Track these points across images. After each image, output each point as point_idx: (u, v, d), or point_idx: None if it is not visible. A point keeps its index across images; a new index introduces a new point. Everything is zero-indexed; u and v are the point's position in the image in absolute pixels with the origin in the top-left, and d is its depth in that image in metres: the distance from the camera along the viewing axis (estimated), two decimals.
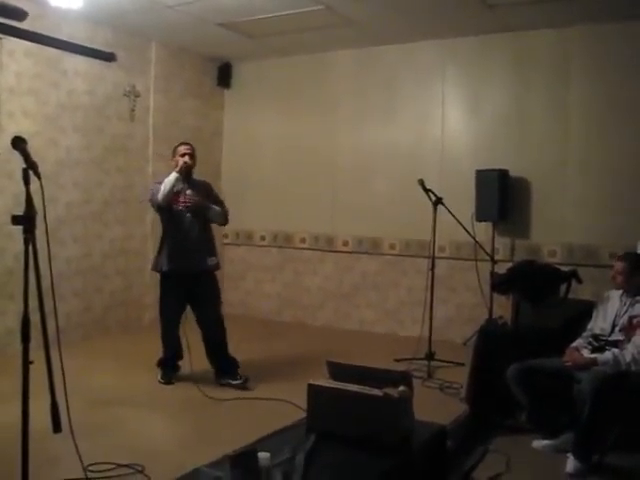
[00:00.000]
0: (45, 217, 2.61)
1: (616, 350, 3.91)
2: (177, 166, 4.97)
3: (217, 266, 5.25)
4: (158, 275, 5.21)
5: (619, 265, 4.12)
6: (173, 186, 4.91)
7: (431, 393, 5.05)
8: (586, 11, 5.96)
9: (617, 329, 4.05)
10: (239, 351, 5.21)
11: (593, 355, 4.00)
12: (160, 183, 4.97)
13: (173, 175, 4.93)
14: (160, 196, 4.90)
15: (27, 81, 6.07)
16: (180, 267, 5.03)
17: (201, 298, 5.13)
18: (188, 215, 5.02)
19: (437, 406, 4.61)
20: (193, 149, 5.13)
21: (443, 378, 5.35)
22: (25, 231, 2.54)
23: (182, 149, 5.07)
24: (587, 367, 3.92)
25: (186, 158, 4.99)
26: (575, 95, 6.43)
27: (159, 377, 5.16)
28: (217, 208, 5.17)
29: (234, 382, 5.05)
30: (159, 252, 5.14)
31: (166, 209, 5.01)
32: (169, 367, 5.22)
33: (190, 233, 5.03)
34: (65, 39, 6.32)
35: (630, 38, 6.14)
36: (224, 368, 5.15)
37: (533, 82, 6.64)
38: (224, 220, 5.30)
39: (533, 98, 6.64)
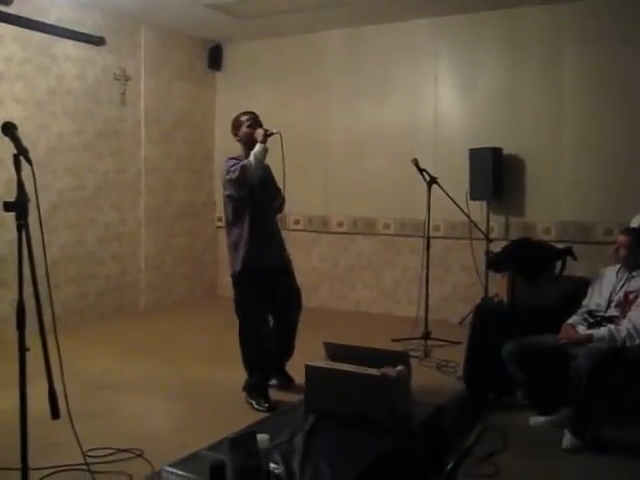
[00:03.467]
0: (37, 203, 2.59)
1: (612, 326, 3.93)
2: (256, 137, 4.33)
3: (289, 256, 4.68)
4: (239, 277, 4.42)
5: (623, 238, 4.13)
6: (264, 157, 4.29)
7: (428, 372, 5.07)
8: None
9: (613, 305, 4.07)
10: (234, 332, 5.18)
11: (589, 331, 4.02)
12: (235, 159, 4.35)
13: (260, 146, 4.27)
14: (254, 171, 4.22)
15: (16, 66, 6.01)
16: (273, 262, 4.45)
17: (285, 295, 4.58)
18: (267, 201, 4.48)
19: (434, 385, 4.64)
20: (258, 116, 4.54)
21: (440, 357, 5.38)
22: (18, 218, 2.53)
23: (247, 118, 4.49)
24: (583, 343, 3.94)
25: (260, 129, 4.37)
26: (568, 71, 6.41)
27: (255, 405, 4.29)
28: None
29: (278, 381, 4.68)
30: (249, 249, 4.34)
31: (248, 195, 4.31)
32: (265, 389, 4.40)
33: (273, 220, 4.54)
34: (53, 23, 6.26)
35: (622, 13, 6.10)
36: (280, 361, 4.72)
37: (526, 59, 6.61)
38: (281, 210, 4.67)
39: (526, 75, 6.61)
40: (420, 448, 2.95)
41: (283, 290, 4.56)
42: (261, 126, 4.44)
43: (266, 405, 4.24)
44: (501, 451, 3.74)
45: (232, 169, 4.27)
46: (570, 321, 4.20)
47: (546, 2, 6.34)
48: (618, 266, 4.20)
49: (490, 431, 4.00)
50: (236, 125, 4.54)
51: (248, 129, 4.44)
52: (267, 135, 4.34)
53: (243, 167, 4.22)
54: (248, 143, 4.40)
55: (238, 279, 4.42)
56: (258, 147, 4.28)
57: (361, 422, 2.84)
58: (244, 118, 4.51)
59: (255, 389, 4.37)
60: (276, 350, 4.60)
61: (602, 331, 3.92)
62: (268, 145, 4.35)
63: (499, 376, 4.35)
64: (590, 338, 3.94)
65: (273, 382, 4.60)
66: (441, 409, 3.26)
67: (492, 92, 6.77)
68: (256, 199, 4.36)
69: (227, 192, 4.40)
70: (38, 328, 2.54)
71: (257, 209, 4.38)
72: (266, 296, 4.43)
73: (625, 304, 4.00)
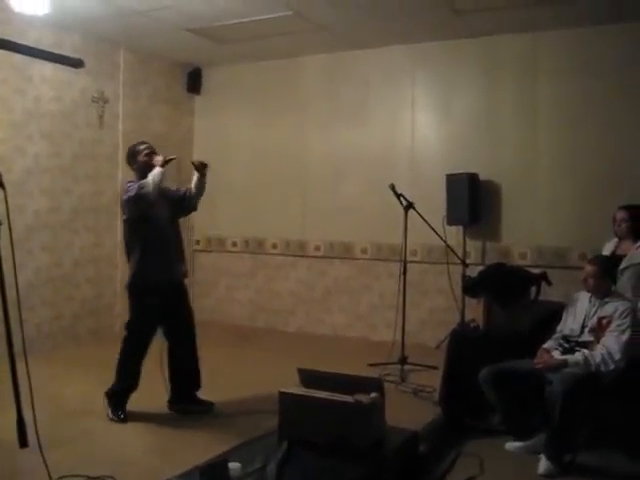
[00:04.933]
0: (9, 227, 2.57)
1: (586, 351, 3.95)
2: (155, 163, 4.44)
3: (186, 273, 4.88)
4: (129, 291, 4.59)
5: (590, 269, 4.16)
6: (161, 180, 4.40)
7: (404, 397, 5.05)
8: (551, 17, 6.02)
9: (587, 330, 4.09)
10: (210, 358, 5.13)
11: (563, 357, 4.04)
12: (133, 182, 4.47)
13: (158, 169, 4.40)
14: (151, 189, 4.33)
15: None
16: (165, 279, 4.55)
17: (179, 311, 4.67)
18: (163, 222, 4.57)
19: (411, 410, 4.61)
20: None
21: (416, 382, 5.35)
22: None
23: (144, 148, 4.60)
24: (558, 368, 3.96)
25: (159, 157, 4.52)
26: (543, 99, 6.50)
27: (110, 414, 4.48)
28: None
29: (200, 407, 4.69)
30: (139, 264, 4.49)
31: (143, 217, 4.45)
32: (124, 400, 4.56)
33: (170, 239, 4.63)
34: (31, 45, 6.23)
35: (596, 42, 6.21)
36: (186, 389, 4.73)
37: (502, 86, 6.69)
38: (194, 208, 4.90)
39: (502, 102, 6.69)
40: (394, 474, 2.93)
41: (175, 310, 4.65)
42: (157, 154, 4.57)
43: (121, 416, 4.44)
44: (477, 477, 3.73)
45: (129, 189, 4.42)
46: (545, 346, 4.22)
47: (522, 30, 6.44)
48: (592, 292, 4.23)
49: (466, 456, 3.99)
50: (133, 154, 4.65)
51: (146, 157, 4.55)
52: (166, 161, 4.50)
53: (140, 185, 4.37)
54: (144, 172, 4.49)
55: (129, 293, 4.57)
56: (156, 170, 4.42)
57: (335, 449, 2.82)
58: (141, 147, 4.63)
59: (114, 397, 4.54)
60: (182, 378, 4.71)
61: (577, 356, 3.95)
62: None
63: (475, 401, 4.34)
64: (565, 363, 3.96)
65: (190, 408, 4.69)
66: (415, 436, 3.25)
67: (469, 118, 6.84)
68: (151, 221, 4.49)
69: (125, 216, 4.55)
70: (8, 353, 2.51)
71: (152, 230, 4.50)
72: (155, 315, 4.55)
73: (599, 329, 4.03)
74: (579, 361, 3.91)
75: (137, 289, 4.55)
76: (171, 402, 4.72)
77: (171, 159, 4.55)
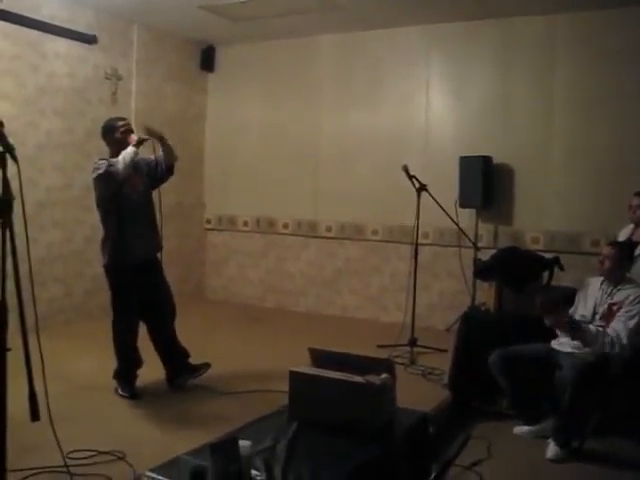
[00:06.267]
0: (22, 201, 2.57)
1: (600, 328, 3.92)
2: (130, 141, 4.37)
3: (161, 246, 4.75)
4: (107, 271, 4.55)
5: (609, 250, 4.13)
6: (133, 160, 4.31)
7: (414, 379, 5.05)
8: None
9: (597, 317, 4.07)
10: (220, 337, 5.18)
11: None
12: (105, 160, 4.36)
13: (132, 149, 4.32)
14: (121, 168, 4.25)
15: (5, 63, 5.96)
16: (142, 256, 4.53)
17: (157, 287, 4.66)
18: (136, 198, 4.49)
19: (420, 392, 4.61)
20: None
21: (426, 364, 5.35)
22: (1, 216, 2.50)
23: (122, 124, 4.50)
24: (568, 327, 3.90)
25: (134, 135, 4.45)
26: (560, 82, 6.43)
27: (120, 390, 4.53)
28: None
29: (198, 372, 4.74)
30: (115, 243, 4.44)
31: (114, 196, 4.37)
32: (131, 378, 4.60)
33: (144, 216, 4.58)
34: (45, 20, 6.21)
35: (615, 25, 6.13)
36: (179, 362, 4.75)
37: (518, 69, 6.62)
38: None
39: (518, 85, 6.63)
40: (404, 456, 2.94)
41: (156, 276, 4.66)
42: (133, 133, 4.50)
43: (131, 392, 4.49)
44: (485, 460, 3.75)
45: (99, 166, 4.33)
46: None
47: (540, 12, 6.36)
48: (602, 277, 4.20)
49: (474, 440, 4.01)
50: (110, 130, 4.55)
51: (122, 135, 4.47)
52: (139, 141, 4.42)
53: (109, 163, 4.30)
54: (119, 149, 4.40)
55: (107, 272, 4.55)
56: (130, 149, 4.33)
57: (345, 429, 2.83)
58: (119, 124, 4.52)
59: (121, 376, 4.58)
60: (170, 353, 4.74)
61: (591, 327, 3.91)
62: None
63: (485, 384, 4.36)
64: (578, 325, 3.88)
65: (190, 380, 4.73)
66: (425, 417, 3.25)
67: (483, 101, 6.78)
68: (124, 199, 4.42)
69: (96, 193, 4.46)
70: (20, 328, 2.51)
71: (126, 208, 4.44)
72: (133, 292, 4.53)
73: (609, 316, 4.01)
74: (592, 331, 3.86)
75: (116, 268, 4.50)
76: (169, 380, 4.74)
77: (145, 139, 4.46)
